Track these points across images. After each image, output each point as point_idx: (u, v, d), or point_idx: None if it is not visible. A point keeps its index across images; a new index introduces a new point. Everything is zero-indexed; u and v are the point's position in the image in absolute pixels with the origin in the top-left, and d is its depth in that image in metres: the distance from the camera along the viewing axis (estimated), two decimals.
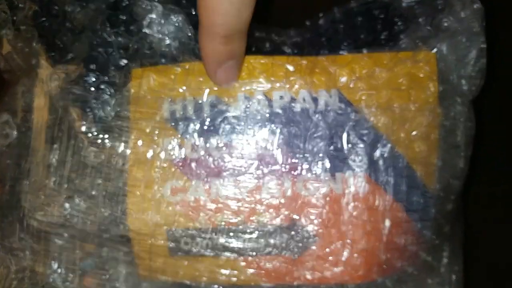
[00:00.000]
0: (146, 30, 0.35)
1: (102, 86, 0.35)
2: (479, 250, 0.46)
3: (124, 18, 0.36)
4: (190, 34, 0.35)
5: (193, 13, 0.36)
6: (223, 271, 0.35)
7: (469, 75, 0.37)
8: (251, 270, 0.35)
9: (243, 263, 0.34)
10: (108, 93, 0.35)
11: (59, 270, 0.37)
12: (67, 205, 0.36)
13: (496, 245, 0.49)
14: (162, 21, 0.35)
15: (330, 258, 0.34)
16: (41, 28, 0.37)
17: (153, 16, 0.34)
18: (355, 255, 0.34)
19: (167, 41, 0.35)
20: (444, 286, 0.40)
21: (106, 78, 0.36)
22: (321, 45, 0.37)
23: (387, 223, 0.34)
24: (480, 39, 0.36)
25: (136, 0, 0.36)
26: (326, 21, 0.39)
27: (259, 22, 0.40)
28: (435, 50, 0.35)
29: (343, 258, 0.34)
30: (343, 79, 0.34)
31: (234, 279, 0.35)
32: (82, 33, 0.37)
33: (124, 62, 0.36)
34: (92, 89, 0.35)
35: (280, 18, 0.48)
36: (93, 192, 0.35)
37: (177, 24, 0.35)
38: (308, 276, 0.34)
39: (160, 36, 0.35)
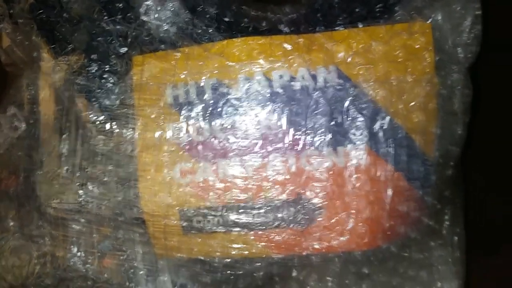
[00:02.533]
0: (144, 18, 0.35)
1: (105, 75, 0.36)
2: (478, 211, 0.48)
3: (121, 5, 0.37)
4: (187, 19, 0.35)
5: None
6: (235, 245, 0.36)
7: (465, 43, 0.37)
8: (261, 243, 0.36)
9: (253, 237, 0.36)
10: (111, 81, 0.36)
11: (78, 254, 0.38)
12: (81, 192, 0.37)
13: (494, 203, 0.50)
14: (159, 7, 0.35)
15: (336, 228, 0.35)
16: (39, 21, 0.37)
17: (149, 3, 0.35)
18: (360, 224, 0.35)
19: (165, 27, 0.35)
20: (446, 247, 0.41)
21: (108, 67, 0.36)
22: (317, 21, 0.37)
23: (389, 192, 0.36)
24: (475, 5, 0.36)
25: None
26: None
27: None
28: (430, 20, 0.36)
29: (349, 228, 0.36)
30: (341, 55, 0.35)
31: (246, 252, 0.37)
32: (80, 23, 0.37)
33: (124, 50, 0.36)
34: (96, 78, 0.36)
35: None
36: (105, 179, 0.36)
37: (173, 9, 0.35)
38: (316, 246, 0.36)
39: (158, 22, 0.35)
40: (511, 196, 0.50)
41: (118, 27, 0.36)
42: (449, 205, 0.41)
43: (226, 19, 0.37)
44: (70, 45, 0.36)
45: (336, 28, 0.36)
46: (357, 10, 0.37)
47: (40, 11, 0.37)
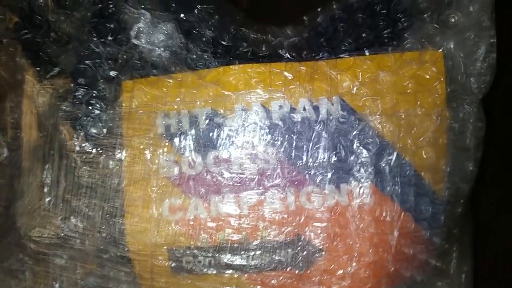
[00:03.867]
0: (135, 41, 0.33)
1: (92, 101, 0.34)
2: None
3: (112, 26, 0.34)
4: (181, 43, 0.33)
5: (184, 18, 0.34)
6: None
7: (478, 72, 0.35)
8: (256, 287, 0.34)
9: (247, 280, 0.34)
10: (99, 108, 0.34)
11: None
12: (63, 225, 0.35)
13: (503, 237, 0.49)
14: (151, 31, 0.33)
15: (337, 272, 0.34)
16: (24, 41, 0.35)
17: (141, 25, 0.33)
18: (363, 268, 0.33)
19: (158, 51, 0.33)
20: (454, 287, 0.39)
21: (95, 92, 0.34)
22: (321, 46, 0.35)
23: (395, 234, 0.33)
24: (490, 33, 0.34)
25: (122, 8, 0.34)
26: (324, 19, 0.37)
27: (254, 19, 0.39)
28: (442, 48, 0.34)
29: (351, 272, 0.34)
30: (345, 85, 0.33)
31: None
32: (68, 44, 0.35)
33: (113, 74, 0.34)
34: (82, 104, 0.34)
35: (276, 13, 0.46)
36: (90, 213, 0.34)
37: (166, 32, 0.33)
38: None
39: (150, 46, 0.33)
40: None
41: (108, 49, 0.34)
42: (456, 243, 0.39)
43: (224, 43, 0.35)
44: (56, 68, 0.35)
45: (341, 55, 0.33)
46: (363, 35, 0.35)
47: (26, 31, 0.34)
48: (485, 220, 0.44)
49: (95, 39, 0.35)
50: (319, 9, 0.37)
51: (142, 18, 0.33)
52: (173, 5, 0.35)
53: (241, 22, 0.38)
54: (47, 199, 0.35)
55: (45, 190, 0.35)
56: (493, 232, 0.47)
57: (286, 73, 0.33)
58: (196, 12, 0.35)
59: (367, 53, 0.34)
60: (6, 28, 0.36)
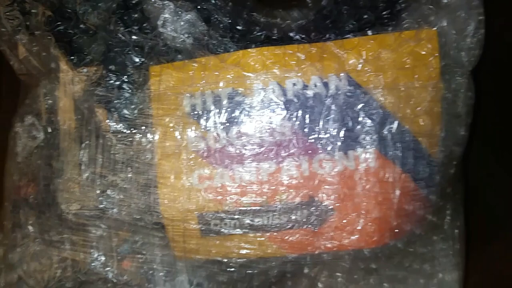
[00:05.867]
0: (161, 29, 0.36)
1: (123, 86, 0.37)
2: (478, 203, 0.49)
3: (136, 16, 0.37)
4: (203, 30, 0.36)
5: (204, 7, 0.37)
6: (251, 246, 0.38)
7: (468, 47, 0.38)
8: (276, 244, 0.38)
9: (268, 238, 0.38)
10: (130, 91, 0.37)
11: (98, 257, 0.39)
12: (101, 198, 0.38)
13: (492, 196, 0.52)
14: (175, 18, 0.36)
15: (347, 228, 0.37)
16: (57, 33, 0.38)
17: (167, 15, 0.35)
18: (369, 223, 0.37)
19: (182, 38, 0.36)
20: (447, 241, 0.43)
21: (125, 78, 0.37)
22: (327, 28, 0.38)
23: (397, 192, 0.37)
24: (479, 11, 0.37)
25: None
26: (329, 2, 0.40)
27: (262, 3, 0.41)
28: (436, 27, 0.37)
29: (359, 227, 0.37)
30: (351, 63, 0.36)
31: (261, 252, 0.38)
32: (96, 34, 0.38)
33: (141, 60, 0.37)
34: (114, 89, 0.37)
35: None
36: (126, 186, 0.37)
37: (189, 21, 0.36)
38: (328, 245, 0.38)
39: (174, 34, 0.36)
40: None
41: (134, 37, 0.37)
42: (450, 201, 0.43)
43: (239, 28, 0.38)
44: (88, 56, 0.37)
45: (346, 36, 0.37)
46: (365, 16, 0.38)
47: (58, 23, 0.37)
48: (474, 181, 0.48)
49: (121, 28, 0.37)
50: None
51: (167, 8, 0.36)
52: None
53: (252, 7, 0.40)
54: (85, 175, 0.38)
55: (83, 167, 0.38)
56: (482, 192, 0.51)
57: (298, 54, 0.36)
58: (212, 0, 0.38)
59: (370, 33, 0.37)
60: (39, 22, 0.38)
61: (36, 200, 0.40)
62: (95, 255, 0.39)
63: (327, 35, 0.37)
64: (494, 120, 0.51)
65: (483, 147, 0.49)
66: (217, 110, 0.36)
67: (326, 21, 0.39)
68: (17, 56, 0.39)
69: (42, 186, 0.39)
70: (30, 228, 0.40)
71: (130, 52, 0.36)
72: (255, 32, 0.37)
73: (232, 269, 0.39)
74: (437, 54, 0.36)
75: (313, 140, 0.36)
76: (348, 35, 0.37)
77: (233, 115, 0.36)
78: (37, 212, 0.40)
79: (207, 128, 0.36)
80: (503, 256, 0.48)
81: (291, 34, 0.38)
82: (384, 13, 0.38)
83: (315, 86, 0.36)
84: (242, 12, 0.39)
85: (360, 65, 0.36)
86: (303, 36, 0.38)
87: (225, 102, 0.36)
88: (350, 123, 0.36)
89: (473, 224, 0.45)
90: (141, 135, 0.36)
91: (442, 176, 0.39)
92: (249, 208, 0.37)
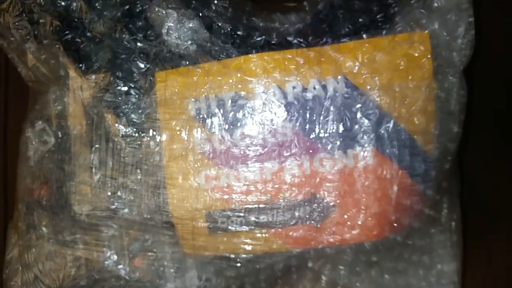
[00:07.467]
0: (166, 38, 0.37)
1: (131, 91, 0.39)
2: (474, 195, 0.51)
3: (141, 24, 0.39)
4: (205, 37, 0.38)
5: (206, 14, 0.39)
6: (257, 242, 0.40)
7: (459, 48, 0.40)
8: (281, 240, 0.40)
9: (273, 234, 0.39)
10: (137, 97, 0.39)
11: (111, 256, 0.41)
12: (112, 199, 0.39)
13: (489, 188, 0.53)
14: (179, 26, 0.38)
15: (348, 223, 0.39)
16: (65, 42, 0.39)
17: (171, 23, 0.37)
18: (369, 218, 0.39)
19: (185, 45, 0.38)
20: (445, 233, 0.45)
21: (132, 84, 0.39)
22: (324, 32, 0.40)
23: (395, 188, 0.39)
24: (469, 13, 0.39)
25: (148, 7, 0.39)
26: (325, 6, 0.41)
27: (259, 8, 0.43)
28: (427, 30, 0.38)
29: (359, 222, 0.39)
30: (348, 65, 0.38)
31: (267, 248, 0.40)
32: (102, 41, 0.39)
33: (146, 66, 0.39)
34: (122, 95, 0.38)
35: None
36: (135, 187, 0.39)
37: (193, 28, 0.38)
38: (330, 239, 0.40)
39: (178, 41, 0.38)
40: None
41: (139, 44, 0.38)
42: (446, 195, 0.44)
43: (239, 33, 0.39)
44: (96, 64, 0.39)
45: (342, 39, 0.38)
46: (360, 20, 0.40)
47: (65, 33, 0.39)
48: (468, 175, 0.49)
49: (127, 36, 0.39)
50: None
51: (170, 17, 0.37)
52: (193, 2, 0.39)
53: (250, 11, 0.42)
54: (96, 178, 0.40)
55: (94, 170, 0.40)
56: (476, 186, 0.53)
57: (297, 58, 0.37)
58: (213, 7, 0.40)
59: (365, 37, 0.38)
60: (47, 31, 0.40)
61: (49, 202, 0.41)
62: (108, 254, 0.41)
63: (324, 39, 0.39)
64: (486, 116, 0.52)
65: (478, 141, 0.50)
66: (221, 113, 0.37)
67: (323, 24, 0.40)
68: (26, 63, 0.41)
69: (54, 188, 0.41)
70: (44, 229, 0.41)
71: (135, 58, 0.38)
72: (255, 37, 0.39)
73: (240, 264, 0.41)
74: (429, 56, 0.38)
75: (313, 140, 0.38)
76: (344, 39, 0.38)
77: (236, 117, 0.37)
78: (50, 213, 0.41)
79: (212, 131, 0.37)
80: (502, 249, 0.50)
81: (290, 39, 0.40)
82: (378, 16, 0.40)
83: (314, 88, 0.37)
84: (241, 17, 0.40)
85: (357, 68, 0.37)
86: (301, 40, 0.39)
87: (228, 105, 0.37)
88: (349, 123, 0.38)
89: (470, 218, 0.47)
90: (149, 139, 0.38)
91: (437, 171, 0.41)
92: (254, 206, 0.38)
